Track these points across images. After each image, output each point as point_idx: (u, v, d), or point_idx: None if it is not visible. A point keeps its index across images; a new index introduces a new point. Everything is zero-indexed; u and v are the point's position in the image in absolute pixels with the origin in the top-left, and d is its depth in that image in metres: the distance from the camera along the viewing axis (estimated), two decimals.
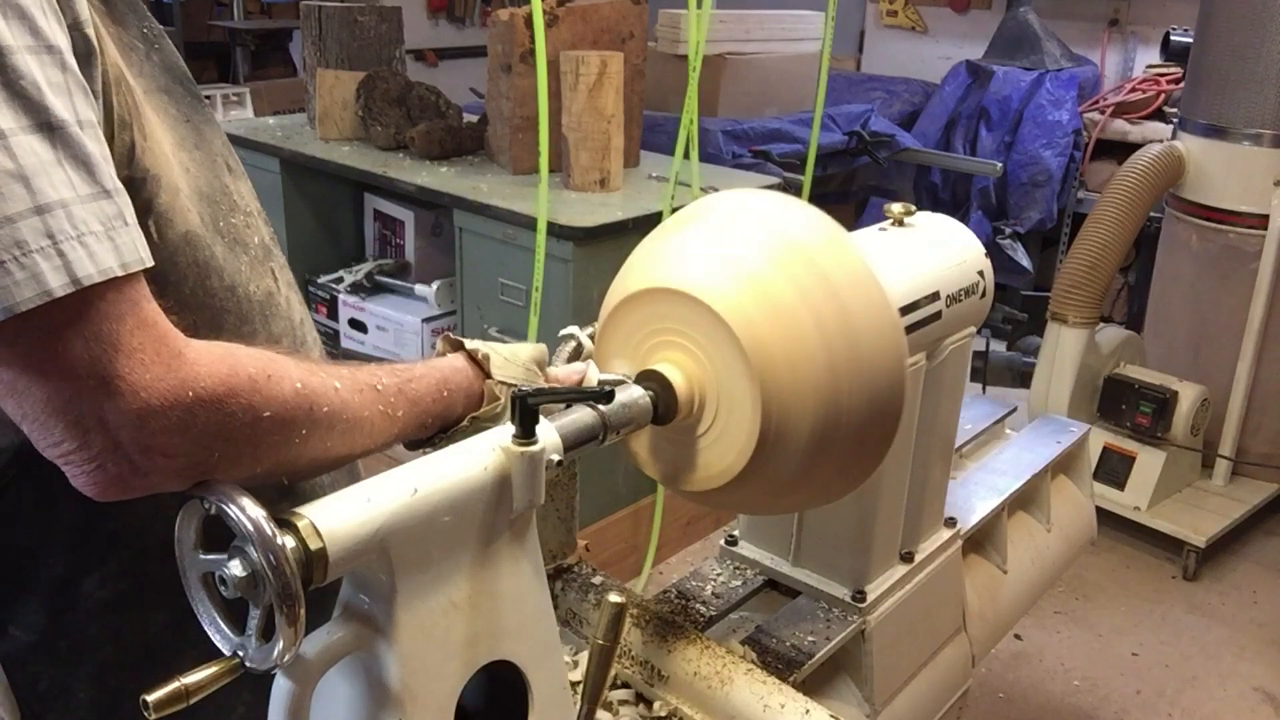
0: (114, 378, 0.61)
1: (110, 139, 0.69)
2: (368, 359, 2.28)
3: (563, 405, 0.86)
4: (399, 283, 3.12)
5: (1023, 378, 3.29)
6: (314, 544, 0.66)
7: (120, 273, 0.61)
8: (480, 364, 0.90)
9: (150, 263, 0.64)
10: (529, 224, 2.34)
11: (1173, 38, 4.29)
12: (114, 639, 0.83)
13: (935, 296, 1.24)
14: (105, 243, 0.61)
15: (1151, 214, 3.24)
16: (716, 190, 1.24)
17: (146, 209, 0.73)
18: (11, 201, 0.58)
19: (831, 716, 1.01)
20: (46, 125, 0.59)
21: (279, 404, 0.69)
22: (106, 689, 0.84)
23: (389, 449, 0.83)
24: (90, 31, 0.67)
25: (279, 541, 0.63)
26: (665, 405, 0.90)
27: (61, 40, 0.62)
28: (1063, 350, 3.00)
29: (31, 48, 0.59)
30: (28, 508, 0.77)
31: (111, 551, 0.81)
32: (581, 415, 0.84)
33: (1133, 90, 4.48)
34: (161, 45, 0.83)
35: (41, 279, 0.58)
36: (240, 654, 0.67)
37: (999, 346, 3.49)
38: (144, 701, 0.63)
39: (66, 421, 0.61)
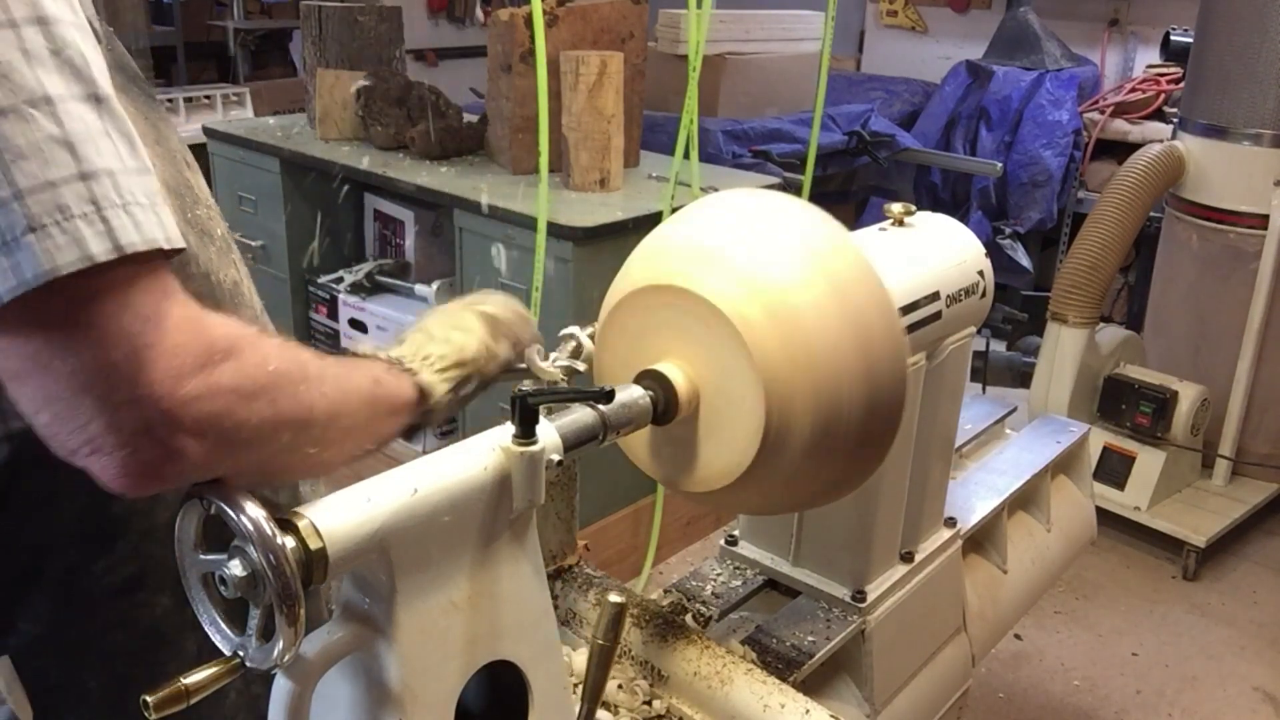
0: (145, 348, 0.59)
1: None
2: None
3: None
4: (399, 283, 3.12)
5: (1023, 378, 3.29)
6: (314, 544, 0.66)
7: (165, 245, 0.60)
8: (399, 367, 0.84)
9: (184, 244, 0.63)
10: (529, 224, 2.34)
11: (1173, 38, 4.29)
12: (121, 625, 0.83)
13: (935, 296, 1.24)
14: (151, 215, 0.60)
15: (1151, 214, 3.24)
16: (716, 190, 1.25)
17: None
18: (55, 167, 0.57)
19: (831, 716, 1.02)
20: (94, 97, 0.59)
21: (269, 369, 0.67)
22: (116, 676, 0.84)
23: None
24: (94, 17, 0.68)
25: (279, 541, 0.63)
26: (665, 405, 0.90)
27: (86, 22, 0.63)
28: (1063, 350, 3.00)
29: (74, 23, 0.60)
30: (29, 505, 0.77)
31: (117, 537, 0.81)
32: (581, 415, 0.84)
33: (1133, 90, 4.48)
34: (112, 45, 0.83)
35: (84, 244, 0.57)
36: (240, 654, 0.67)
37: (999, 346, 3.49)
38: (144, 701, 0.63)
39: (95, 396, 0.58)
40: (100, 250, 0.57)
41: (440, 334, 0.89)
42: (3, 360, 0.59)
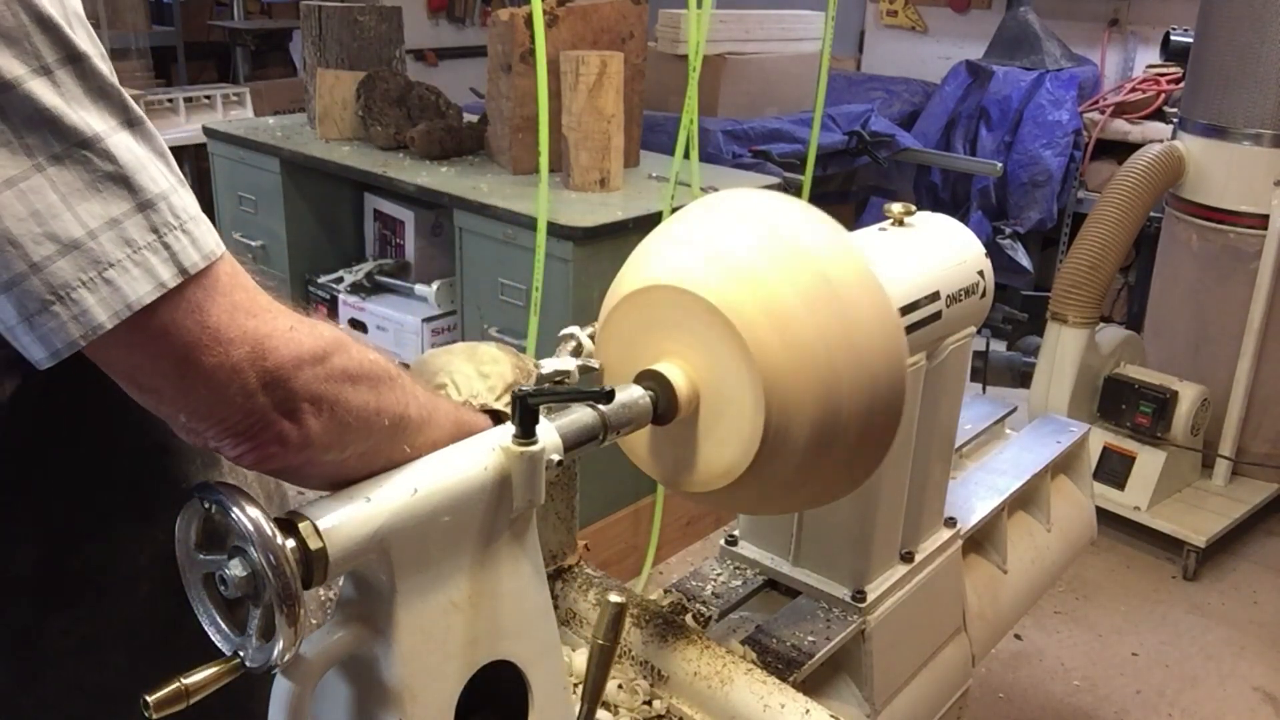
0: (263, 337, 0.63)
1: None
2: None
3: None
4: (399, 283, 3.12)
5: (1023, 378, 3.28)
6: (314, 544, 0.66)
7: (221, 250, 0.63)
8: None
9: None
10: (529, 224, 2.34)
11: (1173, 38, 4.29)
12: (77, 688, 0.81)
13: (935, 296, 1.24)
14: (205, 224, 0.63)
15: (1151, 214, 3.23)
16: (716, 190, 1.25)
17: None
18: (155, 181, 0.60)
19: (831, 716, 1.02)
20: (129, 122, 0.60)
21: (369, 358, 0.72)
22: None
23: None
24: None
25: (279, 542, 0.63)
26: (665, 405, 0.90)
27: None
28: (1063, 350, 3.00)
29: (99, 55, 0.60)
30: None
31: (74, 593, 0.79)
32: (581, 415, 0.84)
33: (1133, 90, 4.47)
34: None
35: (186, 254, 0.60)
36: (240, 654, 0.67)
37: (999, 346, 3.49)
38: (144, 701, 0.63)
39: (230, 393, 0.61)
40: (200, 257, 0.61)
41: (471, 372, 0.92)
42: (142, 378, 0.62)
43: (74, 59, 0.57)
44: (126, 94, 0.61)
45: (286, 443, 0.65)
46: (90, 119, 0.58)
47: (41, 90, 0.56)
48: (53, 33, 0.56)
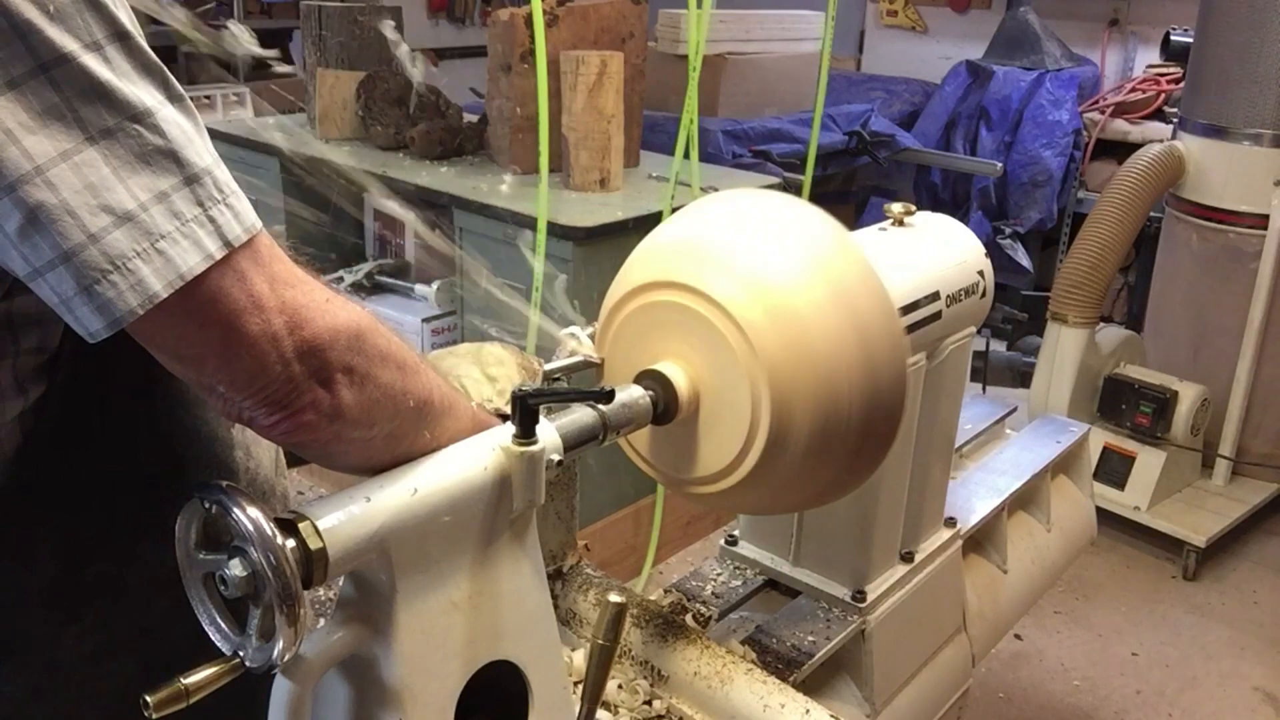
0: (300, 307, 0.64)
1: None
2: None
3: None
4: (399, 283, 3.12)
5: (1023, 378, 3.29)
6: (314, 544, 0.66)
7: (259, 225, 0.65)
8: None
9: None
10: (529, 224, 2.34)
11: (1173, 38, 4.29)
12: (91, 696, 0.81)
13: (935, 296, 1.24)
14: (244, 197, 0.64)
15: (1151, 214, 3.23)
16: (716, 190, 1.25)
17: None
18: (201, 156, 0.61)
19: (831, 716, 1.02)
20: (170, 99, 0.61)
21: (396, 340, 0.72)
22: None
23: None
24: None
25: (279, 542, 0.63)
26: (665, 405, 0.90)
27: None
28: (1063, 350, 3.00)
29: (139, 34, 0.61)
30: (6, 562, 0.76)
31: (88, 603, 0.80)
32: (581, 415, 0.84)
33: (1133, 90, 4.48)
34: None
35: (230, 227, 0.62)
36: (240, 654, 0.67)
37: (999, 346, 3.50)
38: (144, 701, 0.63)
39: (270, 361, 0.62)
40: (242, 230, 0.62)
41: (478, 375, 0.94)
42: (186, 348, 0.62)
43: (122, 36, 0.59)
44: (168, 71, 0.62)
45: (319, 411, 0.65)
46: (140, 94, 0.59)
47: (94, 65, 0.57)
48: (101, 10, 0.58)
